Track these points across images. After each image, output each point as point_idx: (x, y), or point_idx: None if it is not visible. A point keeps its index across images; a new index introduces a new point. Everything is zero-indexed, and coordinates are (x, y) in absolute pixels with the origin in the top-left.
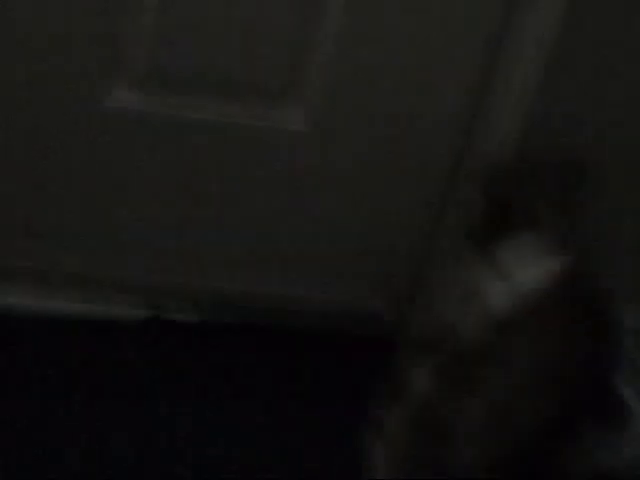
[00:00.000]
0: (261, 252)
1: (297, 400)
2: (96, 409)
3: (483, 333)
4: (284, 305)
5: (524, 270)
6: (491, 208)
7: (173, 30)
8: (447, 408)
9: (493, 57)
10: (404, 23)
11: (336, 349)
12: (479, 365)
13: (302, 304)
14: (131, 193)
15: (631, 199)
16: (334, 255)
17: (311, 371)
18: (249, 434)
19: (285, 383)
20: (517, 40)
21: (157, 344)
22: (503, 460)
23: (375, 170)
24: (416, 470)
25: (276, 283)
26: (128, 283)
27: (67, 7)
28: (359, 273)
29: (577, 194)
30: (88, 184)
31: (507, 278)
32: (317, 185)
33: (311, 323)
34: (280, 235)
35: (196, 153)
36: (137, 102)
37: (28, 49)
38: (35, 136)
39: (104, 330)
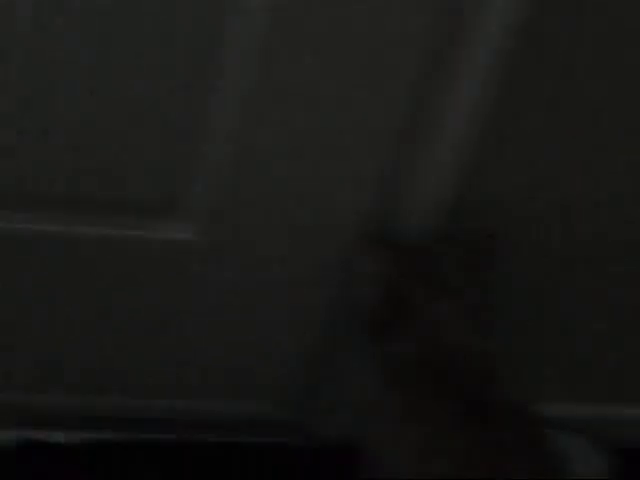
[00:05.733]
0: (151, 362)
1: None
2: None
3: None
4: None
5: None
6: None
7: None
8: None
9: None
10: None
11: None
12: None
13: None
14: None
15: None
16: (225, 365)
17: None
18: None
19: None
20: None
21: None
22: None
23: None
24: None
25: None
26: None
27: None
28: (252, 381)
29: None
30: None
31: None
32: (208, 295)
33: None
34: (169, 345)
35: (80, 268)
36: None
37: None
38: None
39: None
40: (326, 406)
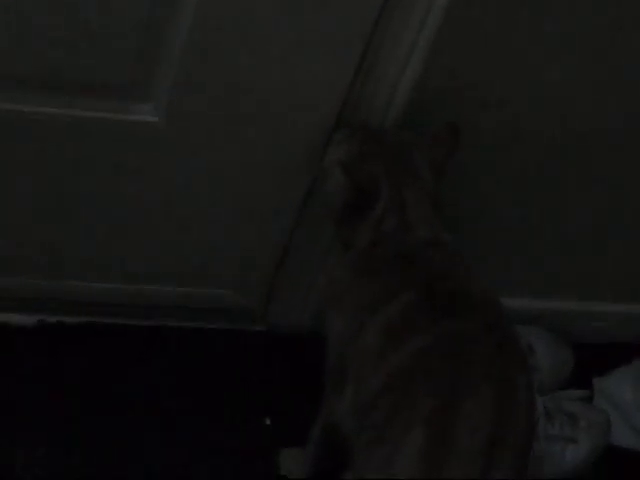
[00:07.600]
0: (118, 247)
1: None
2: None
3: None
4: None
5: None
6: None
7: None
8: None
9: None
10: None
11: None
12: None
13: (161, 300)
14: None
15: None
16: (192, 249)
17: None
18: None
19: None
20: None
21: None
22: None
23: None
24: None
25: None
26: None
27: None
28: (219, 268)
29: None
30: None
31: None
32: (176, 181)
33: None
34: (133, 229)
35: (49, 149)
36: None
37: None
38: None
39: None
40: (290, 296)
